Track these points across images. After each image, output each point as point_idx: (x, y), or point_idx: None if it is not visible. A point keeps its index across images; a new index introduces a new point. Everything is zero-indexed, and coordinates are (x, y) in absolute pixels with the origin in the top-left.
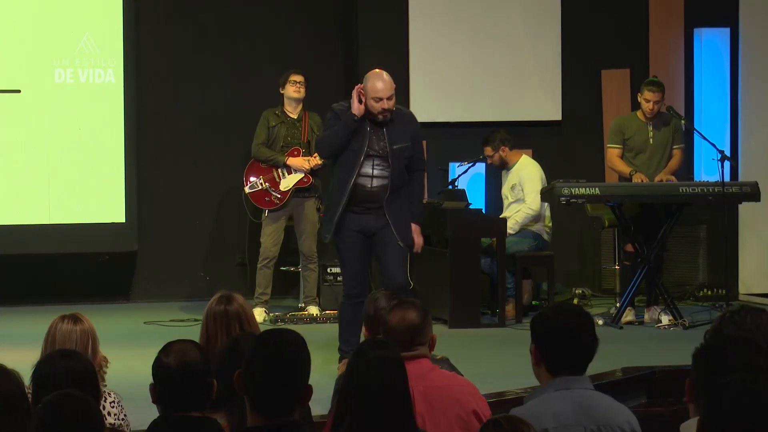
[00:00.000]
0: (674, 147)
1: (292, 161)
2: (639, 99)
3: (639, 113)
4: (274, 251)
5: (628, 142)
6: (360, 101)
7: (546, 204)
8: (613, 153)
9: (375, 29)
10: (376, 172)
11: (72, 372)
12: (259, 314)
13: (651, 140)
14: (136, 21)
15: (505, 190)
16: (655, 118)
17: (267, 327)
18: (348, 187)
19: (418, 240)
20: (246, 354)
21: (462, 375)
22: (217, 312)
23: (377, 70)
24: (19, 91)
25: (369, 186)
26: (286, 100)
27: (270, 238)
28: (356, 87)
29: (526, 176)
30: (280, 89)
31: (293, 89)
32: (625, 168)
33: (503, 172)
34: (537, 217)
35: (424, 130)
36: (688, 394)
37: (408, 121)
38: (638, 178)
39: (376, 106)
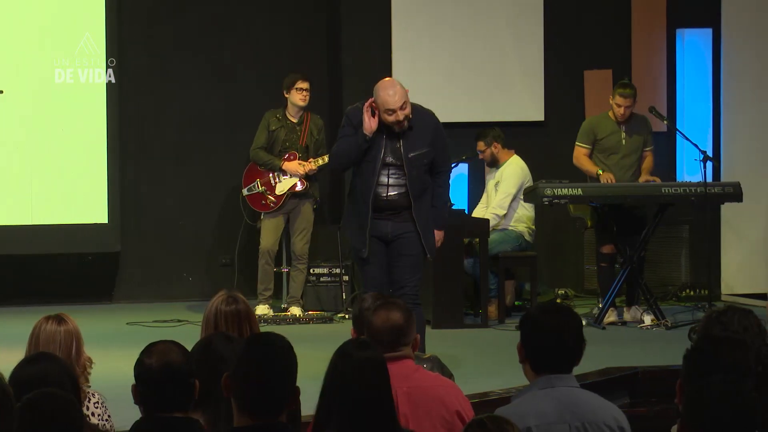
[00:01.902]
0: (645, 149)
1: (286, 165)
2: (610, 102)
3: (611, 113)
4: (274, 249)
5: (601, 142)
6: (373, 114)
7: (531, 205)
8: (580, 152)
9: (358, 30)
10: (391, 180)
11: (48, 376)
12: (264, 311)
13: (623, 141)
14: (119, 21)
15: (490, 186)
16: (627, 119)
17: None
18: (369, 198)
19: (437, 244)
20: (221, 354)
21: (451, 373)
22: (227, 312)
23: (387, 79)
24: (1, 92)
25: (385, 195)
26: (290, 105)
27: (269, 235)
28: (366, 102)
29: (504, 176)
30: (285, 93)
31: (299, 97)
32: (592, 167)
33: (491, 169)
34: (511, 218)
35: None
36: (678, 395)
37: (427, 125)
38: (605, 179)
39: (390, 119)
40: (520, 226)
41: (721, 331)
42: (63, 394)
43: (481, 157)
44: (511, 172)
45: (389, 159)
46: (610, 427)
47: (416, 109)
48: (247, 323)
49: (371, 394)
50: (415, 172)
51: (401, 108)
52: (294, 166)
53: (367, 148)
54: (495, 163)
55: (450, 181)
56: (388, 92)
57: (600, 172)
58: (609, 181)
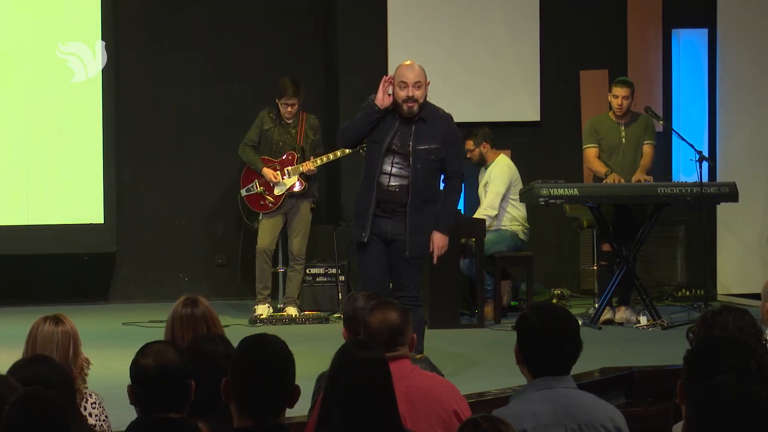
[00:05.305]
0: (645, 143)
1: (264, 171)
2: (609, 98)
3: (611, 114)
4: (270, 248)
5: (602, 142)
6: (390, 93)
7: (522, 204)
8: (590, 153)
9: (354, 30)
10: (394, 170)
11: (41, 379)
12: (264, 310)
13: (623, 140)
14: (115, 20)
15: (480, 189)
16: (626, 117)
17: (248, 328)
18: (374, 181)
19: (438, 250)
20: (210, 355)
21: (442, 374)
22: (183, 315)
23: (409, 60)
24: None
25: (386, 184)
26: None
27: (266, 234)
28: (384, 78)
29: (492, 176)
30: (276, 98)
31: (284, 112)
32: (600, 168)
33: (481, 170)
34: (503, 218)
35: None
36: (679, 395)
37: (442, 123)
38: (612, 179)
39: (401, 94)
40: (514, 226)
41: (720, 331)
42: (49, 394)
43: (468, 155)
44: (499, 172)
45: (396, 146)
46: (606, 428)
47: (435, 108)
48: (203, 327)
49: (373, 395)
50: (421, 166)
51: (415, 86)
52: (270, 174)
53: (375, 127)
54: (482, 163)
55: (462, 188)
56: (406, 66)
57: (608, 173)
58: (616, 182)
